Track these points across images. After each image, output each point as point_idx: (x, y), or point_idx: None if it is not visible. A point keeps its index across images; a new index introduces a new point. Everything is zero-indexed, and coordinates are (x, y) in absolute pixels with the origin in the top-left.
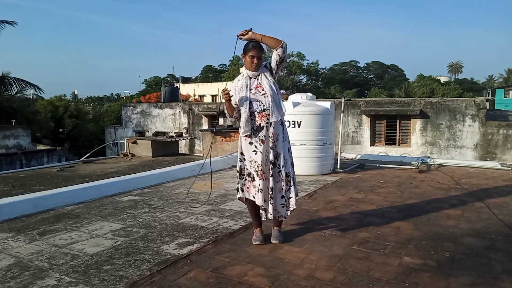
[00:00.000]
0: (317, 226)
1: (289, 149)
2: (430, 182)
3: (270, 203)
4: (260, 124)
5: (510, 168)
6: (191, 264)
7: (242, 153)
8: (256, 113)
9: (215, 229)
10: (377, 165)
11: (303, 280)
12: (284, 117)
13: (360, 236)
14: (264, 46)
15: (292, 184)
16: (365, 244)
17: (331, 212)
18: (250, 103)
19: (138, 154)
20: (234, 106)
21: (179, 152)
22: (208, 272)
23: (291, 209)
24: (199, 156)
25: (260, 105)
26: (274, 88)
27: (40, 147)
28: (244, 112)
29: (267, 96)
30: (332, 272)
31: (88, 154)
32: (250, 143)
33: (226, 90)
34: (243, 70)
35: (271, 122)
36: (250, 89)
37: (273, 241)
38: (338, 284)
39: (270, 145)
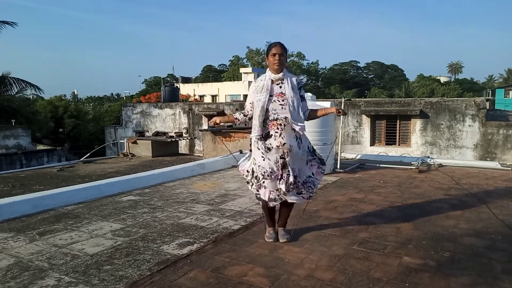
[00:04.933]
0: (317, 226)
1: (308, 162)
2: (430, 182)
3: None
4: (269, 132)
5: (510, 168)
6: (191, 264)
7: (254, 158)
8: (268, 120)
9: (215, 229)
10: (377, 165)
11: (303, 280)
12: (303, 131)
13: (360, 236)
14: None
15: (307, 187)
16: (365, 244)
17: (331, 212)
18: (267, 110)
19: (138, 154)
20: (236, 115)
21: (179, 152)
22: (208, 272)
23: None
24: (199, 156)
25: (274, 114)
26: (296, 103)
27: (40, 147)
28: (259, 116)
29: (285, 108)
30: (332, 272)
31: (88, 154)
32: (258, 148)
33: (210, 122)
34: (243, 70)
35: (280, 133)
36: (270, 95)
37: (281, 240)
38: (338, 284)
39: (279, 155)
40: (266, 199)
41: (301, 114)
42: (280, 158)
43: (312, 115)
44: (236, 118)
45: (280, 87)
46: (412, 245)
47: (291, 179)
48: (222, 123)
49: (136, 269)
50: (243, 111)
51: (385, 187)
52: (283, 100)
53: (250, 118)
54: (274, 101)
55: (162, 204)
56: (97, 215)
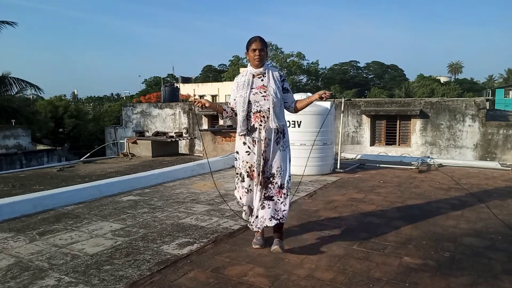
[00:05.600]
0: (317, 226)
1: (289, 159)
2: (430, 182)
3: (256, 205)
4: (254, 125)
5: (510, 168)
6: (191, 264)
7: (237, 152)
8: (251, 113)
9: (215, 229)
10: (377, 165)
11: (303, 280)
12: (284, 126)
13: (360, 236)
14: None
15: (286, 196)
16: (365, 244)
17: (331, 212)
18: (249, 102)
19: (138, 154)
20: (225, 107)
21: (179, 152)
22: (208, 272)
23: (279, 218)
24: (199, 156)
25: (257, 106)
26: (279, 95)
27: (40, 147)
28: (242, 111)
29: (268, 100)
30: (332, 272)
31: (88, 154)
32: (244, 143)
33: (196, 100)
34: (243, 70)
35: (264, 126)
36: (252, 88)
37: (272, 248)
38: (338, 284)
39: (262, 149)
40: (244, 202)
41: (284, 105)
42: (262, 153)
43: (298, 105)
44: (224, 110)
45: (262, 80)
46: (412, 245)
47: (271, 179)
48: (208, 108)
49: (136, 269)
50: (230, 106)
51: (385, 187)
52: (265, 92)
53: (236, 114)
54: (256, 93)
55: (162, 204)
56: (97, 215)
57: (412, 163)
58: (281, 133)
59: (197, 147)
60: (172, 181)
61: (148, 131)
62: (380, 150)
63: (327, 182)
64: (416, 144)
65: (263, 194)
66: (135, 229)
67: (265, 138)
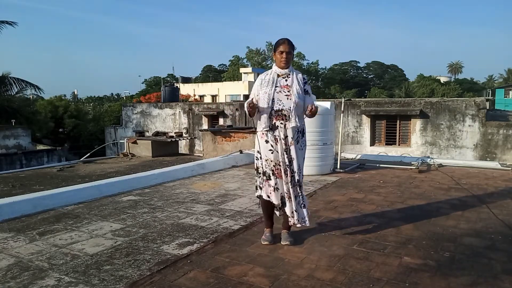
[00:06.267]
0: (317, 226)
1: (303, 159)
2: (430, 182)
3: (289, 203)
4: (275, 123)
5: (510, 168)
6: (191, 264)
7: (258, 151)
8: (273, 111)
9: (215, 229)
10: (377, 165)
11: (303, 280)
12: (304, 125)
13: (360, 236)
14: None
15: (302, 193)
16: (365, 244)
17: (331, 212)
18: (272, 100)
19: (138, 154)
20: (255, 102)
21: (179, 152)
22: (208, 272)
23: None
24: (199, 156)
25: (279, 105)
26: (301, 96)
27: (40, 147)
28: (267, 108)
29: (290, 99)
30: (332, 272)
31: (88, 154)
32: (266, 141)
33: (251, 103)
34: (243, 70)
35: (285, 125)
36: (276, 86)
37: (283, 243)
38: (338, 284)
39: (284, 147)
40: (274, 201)
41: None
42: (285, 151)
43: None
44: (257, 108)
45: (286, 80)
46: (412, 245)
47: (296, 177)
48: (250, 113)
49: (136, 269)
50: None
51: (385, 187)
52: (288, 91)
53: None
54: (279, 92)
55: (162, 204)
56: (97, 215)
57: (412, 163)
58: (300, 132)
59: (197, 147)
60: (172, 181)
61: (148, 131)
62: (380, 150)
63: (327, 182)
64: (416, 144)
65: (294, 192)
66: (135, 229)
67: (286, 137)
